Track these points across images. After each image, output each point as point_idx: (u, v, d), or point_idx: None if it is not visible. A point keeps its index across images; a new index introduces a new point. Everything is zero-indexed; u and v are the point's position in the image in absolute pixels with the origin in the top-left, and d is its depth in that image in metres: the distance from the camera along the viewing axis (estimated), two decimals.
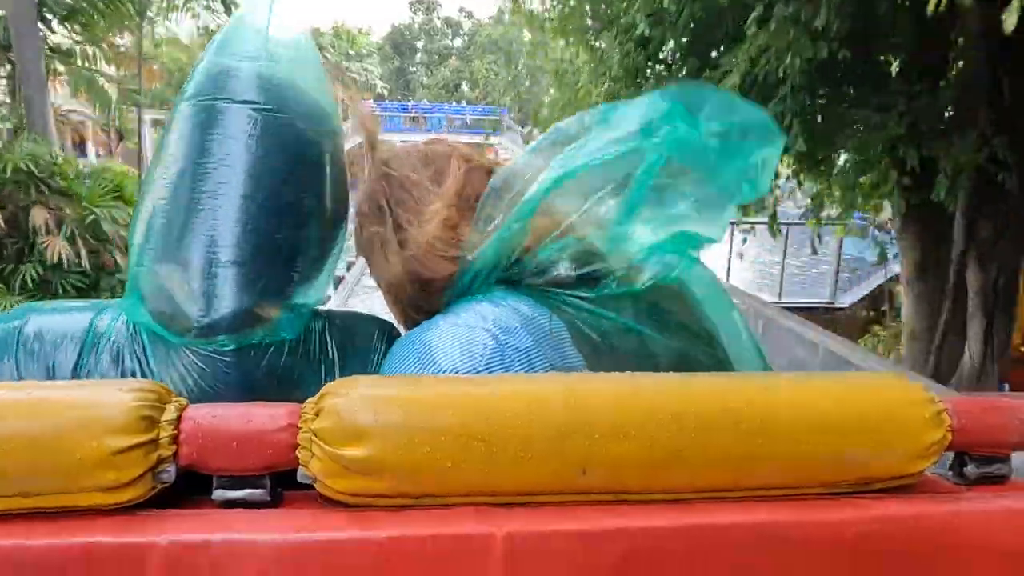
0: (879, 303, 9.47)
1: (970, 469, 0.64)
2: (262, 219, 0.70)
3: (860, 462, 0.59)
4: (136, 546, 0.51)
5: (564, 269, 0.72)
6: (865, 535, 0.56)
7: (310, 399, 0.57)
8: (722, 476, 0.58)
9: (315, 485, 0.56)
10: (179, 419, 0.55)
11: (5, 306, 5.07)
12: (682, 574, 0.55)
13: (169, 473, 0.55)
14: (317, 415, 0.55)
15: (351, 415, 0.54)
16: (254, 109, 0.71)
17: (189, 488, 0.58)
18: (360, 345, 0.80)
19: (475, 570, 0.52)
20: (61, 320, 0.73)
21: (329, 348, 0.78)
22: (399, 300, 0.81)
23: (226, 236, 0.69)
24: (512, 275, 0.74)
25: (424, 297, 0.78)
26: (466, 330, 0.70)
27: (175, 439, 0.55)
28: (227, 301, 0.69)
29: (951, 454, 0.65)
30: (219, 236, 0.69)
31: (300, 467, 0.55)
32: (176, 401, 0.57)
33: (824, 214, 6.41)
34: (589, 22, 5.90)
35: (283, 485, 0.59)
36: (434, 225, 0.75)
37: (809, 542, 0.56)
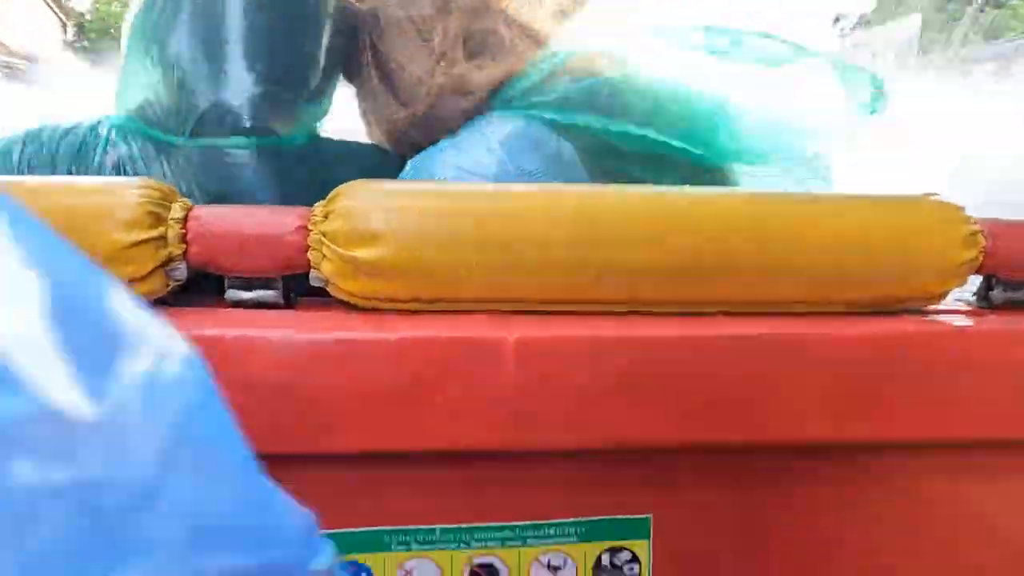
0: None
1: (996, 293, 0.62)
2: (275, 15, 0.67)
3: (887, 280, 0.57)
4: None
5: (564, 85, 0.69)
6: (885, 351, 0.56)
7: (319, 202, 0.55)
8: (740, 290, 0.57)
9: (327, 288, 0.55)
10: (186, 218, 0.54)
11: None
12: (691, 382, 0.55)
13: (180, 271, 0.54)
14: (327, 217, 0.54)
15: (362, 217, 0.53)
16: None
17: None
18: (357, 167, 0.78)
19: (486, 372, 0.53)
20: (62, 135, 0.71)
21: (329, 169, 0.75)
22: (392, 132, 0.79)
23: (235, 26, 0.65)
24: (513, 97, 0.71)
25: (424, 133, 0.75)
26: (473, 154, 0.68)
27: (183, 237, 0.54)
28: (243, 87, 0.66)
29: (979, 279, 0.63)
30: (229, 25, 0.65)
31: (312, 269, 0.55)
32: (182, 200, 0.55)
33: None
34: None
35: (298, 292, 0.58)
36: (441, 70, 0.73)
37: (826, 356, 0.56)
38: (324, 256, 0.54)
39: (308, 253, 0.54)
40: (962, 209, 0.59)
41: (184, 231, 0.54)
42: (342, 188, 0.55)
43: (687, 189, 0.59)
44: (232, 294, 0.56)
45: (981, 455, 0.58)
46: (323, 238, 0.54)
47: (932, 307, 0.61)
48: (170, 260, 0.54)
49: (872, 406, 0.56)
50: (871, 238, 0.56)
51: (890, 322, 0.58)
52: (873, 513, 0.60)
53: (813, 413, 0.56)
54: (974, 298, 0.64)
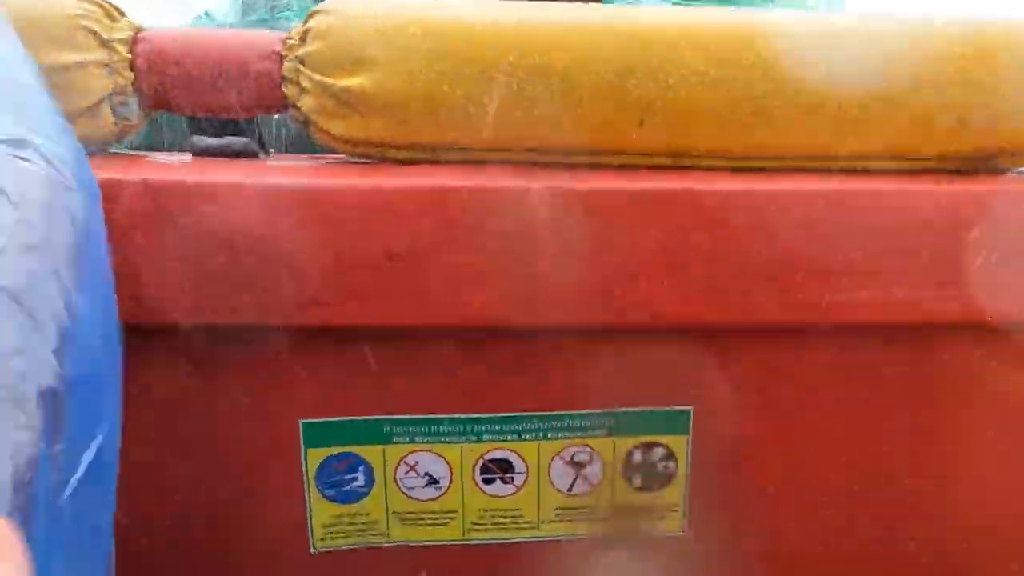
0: None
1: None
2: None
3: (984, 127, 0.46)
4: (102, 182, 0.42)
5: None
6: (978, 212, 0.46)
7: (297, 24, 0.45)
8: (813, 137, 0.46)
9: (309, 129, 0.45)
10: (133, 40, 0.44)
11: None
12: (747, 248, 0.45)
13: (130, 108, 0.44)
14: (303, 39, 0.44)
15: (347, 37, 0.42)
16: None
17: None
18: None
19: (501, 232, 0.43)
20: None
21: None
22: None
23: None
24: None
25: None
26: None
27: (131, 64, 0.44)
28: None
29: None
30: None
31: (289, 107, 0.45)
32: (128, 20, 0.45)
33: None
34: None
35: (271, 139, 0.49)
36: None
37: (907, 217, 0.46)
38: (303, 89, 0.44)
39: (283, 86, 0.44)
40: None
41: (131, 56, 0.44)
42: (324, 3, 0.44)
43: (750, 12, 0.47)
44: (197, 140, 0.46)
45: None
46: (301, 66, 0.43)
47: None
48: (115, 92, 0.44)
49: (956, 280, 0.46)
50: (971, 71, 0.45)
51: (985, 181, 0.48)
52: (942, 399, 0.51)
53: (888, 286, 0.46)
54: None
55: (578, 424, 0.50)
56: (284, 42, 0.44)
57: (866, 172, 0.47)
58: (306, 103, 0.44)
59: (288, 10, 0.73)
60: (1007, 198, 0.47)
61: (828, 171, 0.47)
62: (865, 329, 0.48)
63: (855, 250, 0.46)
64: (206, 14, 0.77)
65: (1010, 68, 0.46)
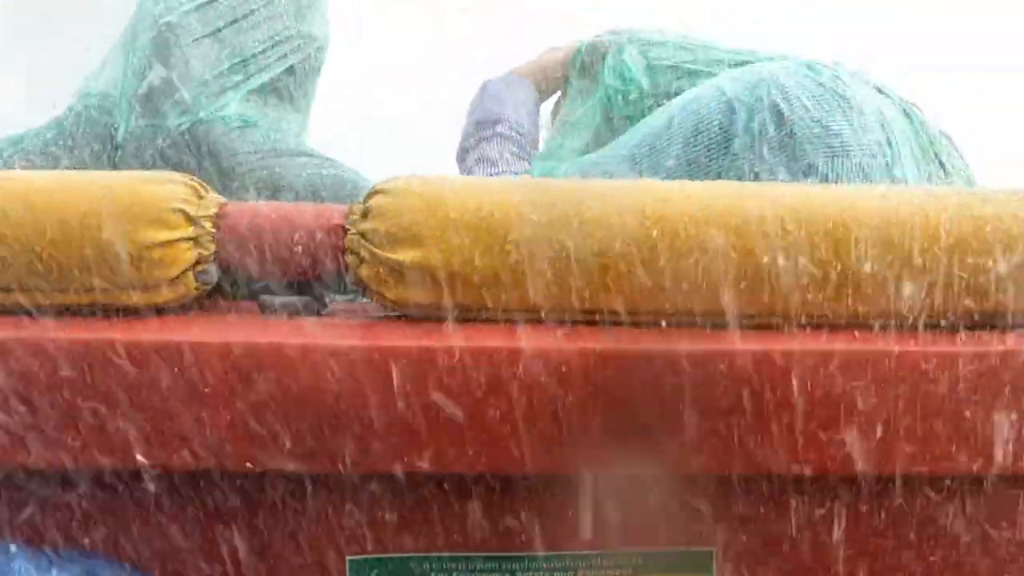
0: None
1: None
2: None
3: (996, 291, 0.50)
4: (184, 345, 0.48)
5: None
6: (979, 369, 0.49)
7: (357, 201, 0.51)
8: (820, 301, 0.50)
9: (365, 294, 0.51)
10: (217, 216, 0.50)
11: None
12: (765, 401, 0.49)
13: (210, 274, 0.51)
14: (365, 216, 0.50)
15: (402, 216, 0.48)
16: None
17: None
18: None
19: (540, 385, 0.48)
20: None
21: None
22: None
23: None
24: None
25: None
26: None
27: (214, 237, 0.50)
28: None
29: None
30: None
31: (348, 273, 0.50)
32: (213, 196, 0.52)
33: None
34: None
35: (334, 290, 0.54)
36: None
37: (915, 375, 0.49)
38: (362, 259, 0.49)
39: (345, 255, 0.50)
40: None
41: (214, 230, 0.50)
42: (383, 183, 0.51)
43: (761, 186, 0.53)
44: (265, 299, 0.52)
45: None
46: (361, 239, 0.49)
47: None
48: (199, 261, 0.50)
49: (967, 434, 0.49)
50: (985, 237, 0.49)
51: (990, 338, 0.51)
52: (963, 552, 0.53)
53: (902, 439, 0.49)
54: None
55: (603, 563, 0.53)
56: (347, 216, 0.50)
57: (876, 329, 0.51)
58: (363, 271, 0.50)
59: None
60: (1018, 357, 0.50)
61: (840, 328, 0.51)
62: (885, 480, 0.51)
63: (867, 403, 0.49)
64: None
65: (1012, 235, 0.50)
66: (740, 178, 0.63)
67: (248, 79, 0.73)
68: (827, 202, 0.50)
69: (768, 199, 0.50)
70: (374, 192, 0.50)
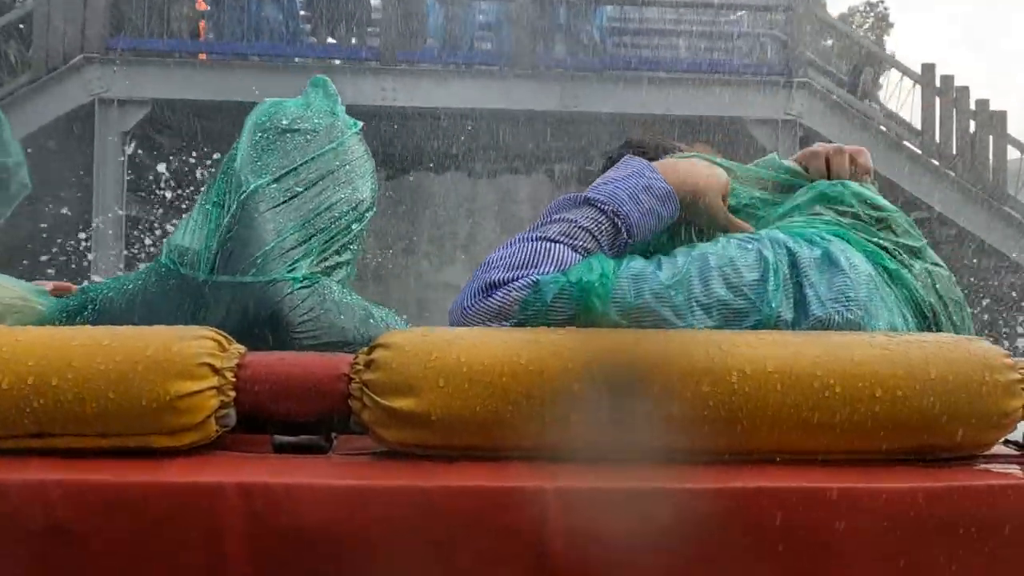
0: None
1: None
2: None
3: (926, 429, 0.56)
4: (204, 486, 0.54)
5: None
6: (928, 505, 0.54)
7: (362, 350, 0.58)
8: (774, 439, 0.56)
9: (367, 434, 0.57)
10: (238, 366, 0.57)
11: None
12: (730, 535, 0.54)
13: (230, 417, 0.57)
14: (368, 366, 0.56)
15: (401, 368, 0.55)
16: None
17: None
18: None
19: (524, 522, 0.53)
20: None
21: None
22: None
23: None
24: None
25: None
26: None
27: (235, 385, 0.57)
28: None
29: None
30: None
31: (352, 416, 0.57)
32: (235, 348, 0.59)
33: None
34: None
35: (336, 428, 0.60)
36: None
37: (866, 509, 0.54)
38: (364, 405, 0.56)
39: (349, 401, 0.57)
40: (1007, 355, 0.58)
41: (235, 379, 0.57)
42: (384, 337, 0.58)
43: (716, 334, 0.59)
44: (277, 439, 0.58)
45: None
46: (364, 388, 0.56)
47: (984, 454, 0.59)
48: (221, 407, 0.56)
49: (921, 564, 0.54)
50: (907, 386, 0.55)
51: (936, 472, 0.56)
52: None
53: (858, 571, 0.54)
54: None
55: None
56: (352, 366, 0.57)
57: (827, 464, 0.57)
58: (366, 415, 0.56)
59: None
60: (972, 492, 0.55)
61: (797, 464, 0.57)
62: None
63: (826, 537, 0.54)
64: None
65: (950, 382, 0.56)
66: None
67: (317, 244, 0.84)
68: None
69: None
70: (376, 346, 0.57)
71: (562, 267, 0.68)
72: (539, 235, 0.71)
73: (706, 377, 0.55)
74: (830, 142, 1.09)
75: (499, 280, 0.67)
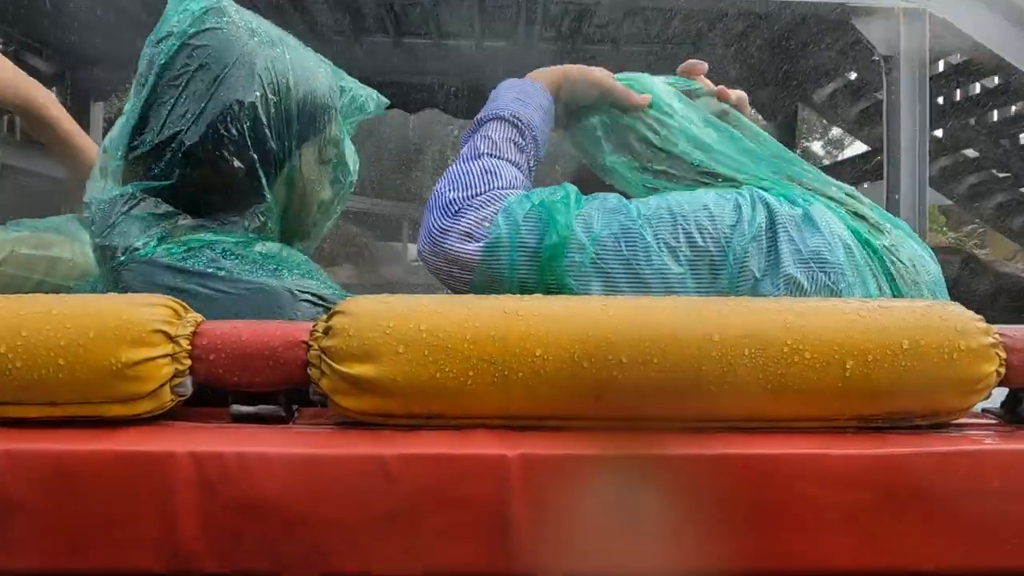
0: None
1: None
2: None
3: (898, 395, 0.55)
4: (155, 455, 0.52)
5: None
6: (899, 472, 0.53)
7: (321, 317, 0.57)
8: (745, 406, 0.55)
9: (326, 403, 0.55)
10: (194, 334, 0.56)
11: None
12: (700, 504, 0.53)
13: (185, 387, 0.55)
14: (326, 333, 0.55)
15: (359, 334, 0.54)
16: None
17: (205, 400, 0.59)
18: None
19: (486, 491, 0.52)
20: None
21: None
22: None
23: None
24: None
25: None
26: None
27: (190, 353, 0.55)
28: None
29: (1006, 391, 0.60)
30: None
31: (311, 384, 0.55)
32: (192, 316, 0.57)
33: None
34: None
35: (298, 400, 0.59)
36: None
37: (837, 477, 0.53)
38: (323, 373, 0.54)
39: (308, 369, 0.55)
40: (980, 319, 0.57)
41: (191, 347, 0.55)
42: (343, 304, 0.56)
43: (681, 301, 0.58)
44: (235, 408, 0.57)
45: None
46: (322, 355, 0.54)
47: (955, 421, 0.58)
48: (175, 376, 0.55)
49: (893, 532, 0.53)
50: (879, 351, 0.54)
51: (908, 439, 0.55)
52: None
53: (827, 540, 0.53)
54: (1002, 411, 0.61)
55: None
56: (311, 333, 0.56)
57: (797, 432, 0.56)
58: (325, 383, 0.54)
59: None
60: (924, 459, 0.54)
61: (765, 431, 0.55)
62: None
63: (794, 506, 0.53)
64: None
65: (921, 347, 0.55)
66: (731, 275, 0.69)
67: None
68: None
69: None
70: (335, 312, 0.56)
71: (513, 183, 0.73)
72: (475, 155, 0.75)
73: (674, 342, 0.54)
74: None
75: (458, 198, 0.70)
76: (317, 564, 0.51)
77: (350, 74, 0.91)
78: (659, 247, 0.67)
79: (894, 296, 0.73)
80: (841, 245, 0.69)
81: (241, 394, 0.57)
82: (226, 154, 0.77)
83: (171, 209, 0.79)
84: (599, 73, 0.86)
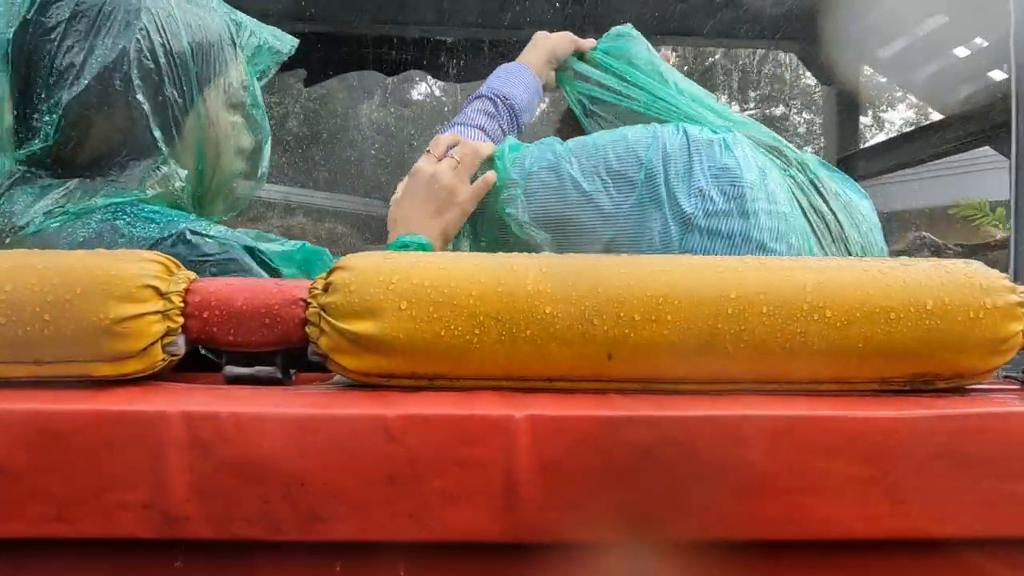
0: None
1: None
2: None
3: (920, 355, 0.53)
4: (146, 415, 0.50)
5: None
6: (920, 435, 0.51)
7: (321, 274, 0.54)
8: (762, 366, 0.53)
9: (326, 363, 0.53)
10: (186, 291, 0.53)
11: None
12: (712, 466, 0.51)
13: (178, 346, 0.53)
14: (326, 290, 0.52)
15: (361, 290, 0.51)
16: None
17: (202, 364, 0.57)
18: None
19: (492, 454, 0.49)
20: None
21: None
22: None
23: None
24: None
25: None
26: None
27: (182, 311, 0.53)
28: None
29: None
30: None
31: (310, 344, 0.53)
32: (183, 273, 0.55)
33: None
34: None
35: (296, 365, 0.57)
36: None
37: (855, 439, 0.51)
38: (322, 331, 0.52)
39: (306, 327, 0.53)
40: (1006, 277, 0.55)
41: (183, 304, 0.53)
42: (344, 259, 0.54)
43: (696, 259, 0.56)
44: (229, 370, 0.54)
45: None
46: (322, 312, 0.52)
47: (978, 385, 0.56)
48: (167, 334, 0.52)
49: (913, 497, 0.51)
50: (902, 309, 0.52)
51: (932, 400, 0.53)
52: None
53: (846, 505, 0.51)
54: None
55: None
56: (309, 291, 0.53)
57: (817, 394, 0.53)
58: (324, 342, 0.52)
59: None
60: (948, 422, 0.52)
61: (784, 393, 0.53)
62: (833, 545, 0.52)
63: (814, 469, 0.51)
64: None
65: (945, 306, 0.52)
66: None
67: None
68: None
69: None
70: (335, 268, 0.53)
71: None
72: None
73: (688, 299, 0.52)
74: None
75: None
76: (315, 528, 0.49)
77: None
78: (581, 173, 0.81)
79: (814, 220, 0.80)
80: (756, 168, 0.77)
81: (236, 355, 0.54)
82: (112, 107, 0.72)
83: (57, 180, 0.73)
84: (556, 37, 1.06)
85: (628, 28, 1.03)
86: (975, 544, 0.53)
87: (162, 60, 0.73)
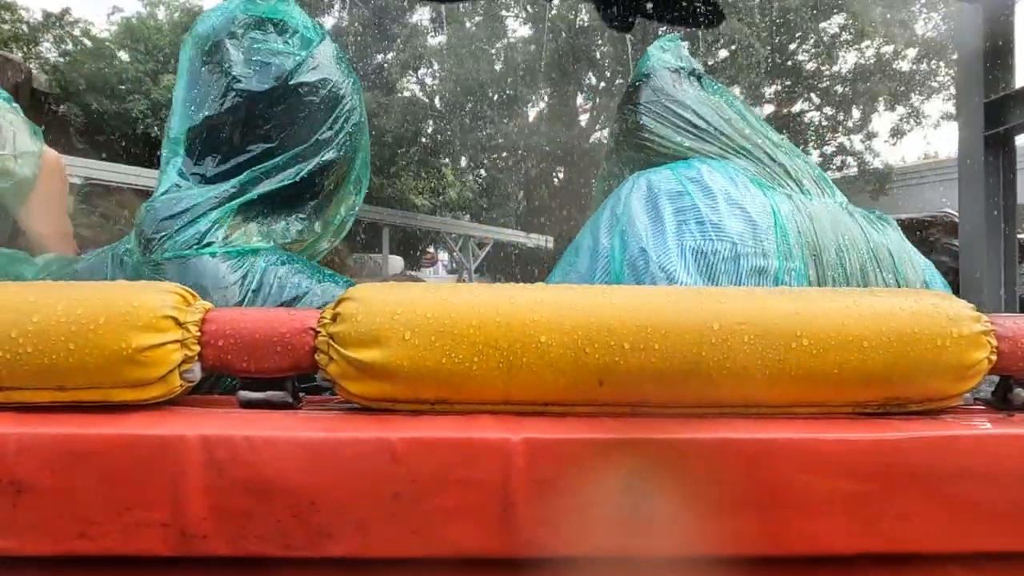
0: None
1: (1017, 393, 0.60)
2: None
3: (892, 381, 0.56)
4: (166, 439, 0.53)
5: None
6: (893, 455, 0.54)
7: (329, 304, 0.58)
8: (744, 391, 0.56)
9: (333, 388, 0.56)
10: (203, 321, 0.57)
11: None
12: (699, 488, 0.54)
13: (194, 372, 0.56)
14: (334, 319, 0.56)
15: (367, 320, 0.55)
16: None
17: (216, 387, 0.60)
18: None
19: (490, 474, 0.53)
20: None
21: None
22: None
23: None
24: None
25: None
26: None
27: (199, 339, 0.56)
28: None
29: (997, 378, 0.62)
30: None
31: (319, 370, 0.56)
32: (200, 303, 0.58)
33: None
34: None
35: (305, 388, 0.60)
36: None
37: (831, 460, 0.54)
38: (331, 358, 0.55)
39: (316, 355, 0.56)
40: (972, 307, 0.58)
41: (200, 333, 0.56)
42: (351, 290, 0.57)
43: (682, 290, 0.59)
44: (243, 395, 0.58)
45: (1000, 569, 0.55)
46: (330, 340, 0.55)
47: (949, 407, 0.60)
48: (185, 362, 0.56)
49: (886, 515, 0.54)
50: (874, 337, 0.56)
51: (904, 423, 0.57)
52: None
53: (824, 523, 0.54)
54: (993, 398, 0.62)
55: None
56: (319, 320, 0.57)
57: (794, 417, 0.57)
58: (332, 369, 0.55)
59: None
60: (918, 443, 0.55)
61: (763, 417, 0.57)
62: (812, 560, 0.55)
63: (793, 488, 0.54)
64: None
65: (913, 334, 0.56)
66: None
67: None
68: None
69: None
70: (343, 299, 0.57)
71: None
72: None
73: (675, 329, 0.55)
74: None
75: None
76: (324, 544, 0.52)
77: None
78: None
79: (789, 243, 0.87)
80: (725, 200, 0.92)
81: (249, 380, 0.58)
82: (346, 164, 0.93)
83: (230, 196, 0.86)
84: None
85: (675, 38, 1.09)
86: (947, 559, 0.56)
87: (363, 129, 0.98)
